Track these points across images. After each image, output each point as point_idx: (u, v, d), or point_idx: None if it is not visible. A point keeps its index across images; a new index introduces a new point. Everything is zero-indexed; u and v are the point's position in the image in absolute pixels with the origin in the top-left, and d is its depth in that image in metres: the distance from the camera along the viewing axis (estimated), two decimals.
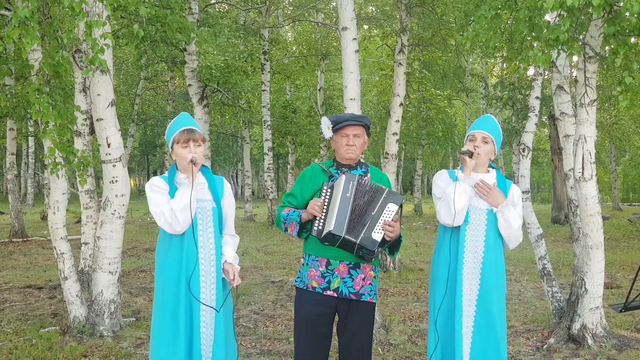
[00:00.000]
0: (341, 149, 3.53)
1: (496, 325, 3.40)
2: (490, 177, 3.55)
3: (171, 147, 3.29)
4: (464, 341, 3.39)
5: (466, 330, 3.41)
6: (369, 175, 3.57)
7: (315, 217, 3.34)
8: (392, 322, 6.10)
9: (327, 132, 3.55)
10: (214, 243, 3.28)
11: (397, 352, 5.18)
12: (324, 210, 3.32)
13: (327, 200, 3.35)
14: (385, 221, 3.30)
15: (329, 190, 3.37)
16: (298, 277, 3.56)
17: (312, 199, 3.47)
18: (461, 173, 3.47)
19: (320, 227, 3.31)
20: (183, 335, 3.15)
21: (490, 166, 3.62)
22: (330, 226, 3.21)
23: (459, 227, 3.45)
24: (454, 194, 3.38)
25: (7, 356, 4.94)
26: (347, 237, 3.22)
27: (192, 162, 3.19)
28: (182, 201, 3.14)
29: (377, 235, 3.28)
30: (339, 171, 3.54)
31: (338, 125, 3.51)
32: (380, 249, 3.34)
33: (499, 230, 3.46)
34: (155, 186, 3.25)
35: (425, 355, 5.06)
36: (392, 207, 3.32)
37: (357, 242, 3.25)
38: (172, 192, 3.23)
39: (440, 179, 3.56)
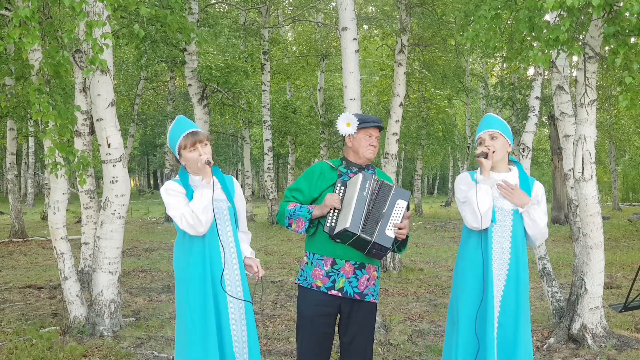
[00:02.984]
0: (363, 148, 3.49)
1: (520, 326, 3.35)
2: (513, 176, 3.51)
3: (178, 154, 3.29)
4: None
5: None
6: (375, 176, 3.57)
7: (328, 213, 3.32)
8: (392, 322, 6.11)
9: (347, 128, 3.49)
10: (234, 241, 3.32)
11: (397, 352, 5.18)
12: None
13: (340, 196, 3.34)
14: (396, 219, 3.30)
15: (342, 187, 3.37)
16: (301, 276, 3.52)
17: (319, 196, 3.45)
18: (480, 175, 3.44)
19: (332, 224, 3.30)
20: (214, 335, 3.16)
21: (512, 161, 3.58)
22: (346, 223, 3.20)
23: (486, 229, 3.40)
24: (477, 197, 3.35)
25: (7, 356, 4.94)
26: (362, 235, 3.22)
27: (208, 162, 3.20)
28: (202, 202, 3.14)
29: (390, 232, 3.29)
30: (348, 170, 3.52)
31: (365, 124, 3.48)
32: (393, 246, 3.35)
33: (524, 229, 3.44)
34: (172, 190, 3.24)
35: (425, 355, 5.06)
36: (401, 204, 3.33)
37: (373, 240, 3.24)
38: (189, 195, 3.23)
39: (463, 182, 3.51)
